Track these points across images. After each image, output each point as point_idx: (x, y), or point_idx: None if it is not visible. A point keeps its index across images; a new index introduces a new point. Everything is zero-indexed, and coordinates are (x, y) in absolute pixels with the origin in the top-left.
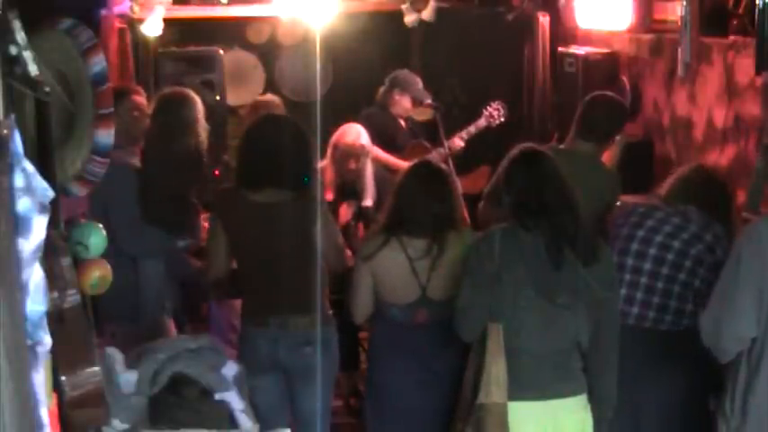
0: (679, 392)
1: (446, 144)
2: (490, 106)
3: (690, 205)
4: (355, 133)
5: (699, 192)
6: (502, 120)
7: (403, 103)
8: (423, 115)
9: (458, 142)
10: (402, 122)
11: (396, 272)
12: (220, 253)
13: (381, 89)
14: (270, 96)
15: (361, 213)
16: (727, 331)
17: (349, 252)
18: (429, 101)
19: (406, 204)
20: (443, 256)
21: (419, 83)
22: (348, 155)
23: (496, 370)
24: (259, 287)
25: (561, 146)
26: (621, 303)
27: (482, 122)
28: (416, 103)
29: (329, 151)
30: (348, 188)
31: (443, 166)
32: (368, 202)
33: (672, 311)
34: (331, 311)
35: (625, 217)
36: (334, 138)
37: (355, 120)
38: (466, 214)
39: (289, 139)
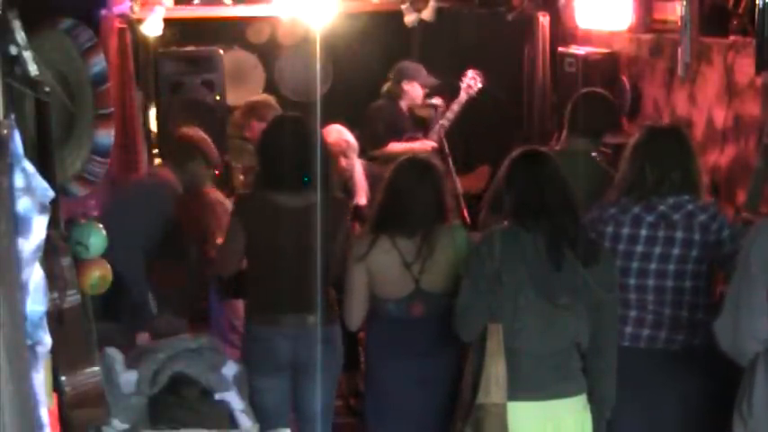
0: (701, 404)
1: (438, 127)
2: (465, 77)
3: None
4: (336, 132)
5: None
6: (480, 86)
7: (413, 93)
8: (423, 111)
9: (444, 124)
10: (407, 115)
11: (389, 268)
12: (236, 255)
13: (388, 83)
14: (264, 96)
15: (355, 213)
16: (745, 331)
17: None
18: (435, 101)
19: (393, 201)
20: (434, 251)
21: (423, 70)
22: (335, 154)
23: (496, 370)
24: (278, 286)
25: (557, 147)
26: (632, 327)
27: (463, 97)
28: (425, 90)
29: None
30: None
31: (432, 160)
32: (361, 200)
33: (685, 325)
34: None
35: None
36: None
37: (364, 114)
38: (466, 213)
39: (310, 140)
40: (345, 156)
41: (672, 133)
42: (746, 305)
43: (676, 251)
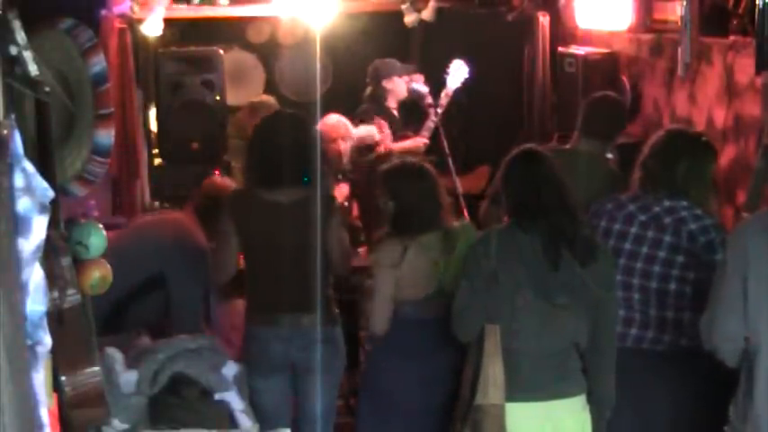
0: (688, 407)
1: (429, 124)
2: (449, 68)
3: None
4: (334, 117)
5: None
6: (466, 76)
7: (397, 89)
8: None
9: (433, 119)
10: (395, 113)
11: (420, 271)
12: (232, 257)
13: (369, 87)
14: (265, 97)
15: (352, 192)
16: (717, 330)
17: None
18: (422, 85)
19: (411, 205)
20: (455, 249)
21: (396, 62)
22: (335, 137)
23: (494, 371)
24: (272, 286)
25: (567, 146)
26: (620, 326)
27: (450, 89)
28: (408, 80)
29: None
30: (335, 173)
31: (426, 163)
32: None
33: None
34: (337, 311)
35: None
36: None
37: (351, 119)
38: (466, 213)
39: (300, 136)
40: (343, 139)
41: (684, 136)
42: (720, 304)
43: (662, 254)
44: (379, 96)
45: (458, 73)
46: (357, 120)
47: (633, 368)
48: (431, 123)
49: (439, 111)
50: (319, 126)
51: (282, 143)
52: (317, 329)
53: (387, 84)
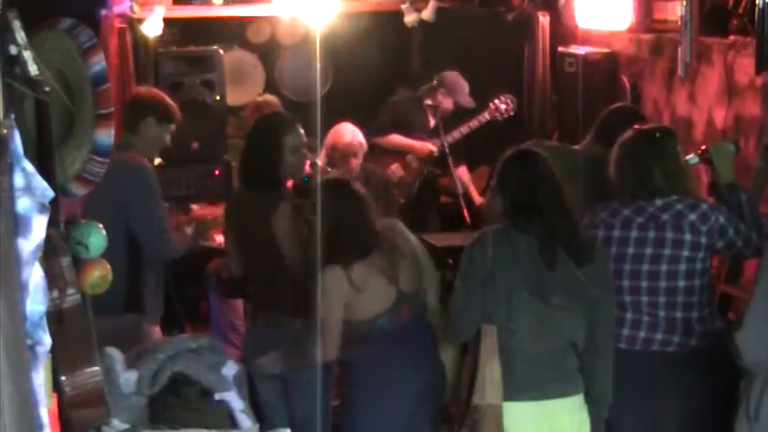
0: (698, 407)
1: (444, 140)
2: (498, 99)
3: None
4: (351, 132)
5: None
6: (511, 114)
7: (444, 104)
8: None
9: (454, 136)
10: (431, 120)
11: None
12: (232, 256)
13: (428, 84)
14: (269, 97)
15: None
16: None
17: None
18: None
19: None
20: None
21: (466, 88)
22: (348, 154)
23: (491, 371)
24: (256, 286)
25: (577, 146)
26: (628, 329)
27: (485, 116)
28: (458, 107)
29: (324, 152)
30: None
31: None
32: None
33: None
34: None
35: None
36: (329, 139)
37: (378, 106)
38: (466, 213)
39: (288, 138)
40: (356, 156)
41: (643, 142)
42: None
43: (667, 251)
44: (422, 98)
45: (503, 107)
46: (385, 106)
47: (643, 369)
48: (449, 138)
49: (464, 130)
50: (338, 137)
51: (252, 144)
52: (287, 331)
53: (441, 95)
